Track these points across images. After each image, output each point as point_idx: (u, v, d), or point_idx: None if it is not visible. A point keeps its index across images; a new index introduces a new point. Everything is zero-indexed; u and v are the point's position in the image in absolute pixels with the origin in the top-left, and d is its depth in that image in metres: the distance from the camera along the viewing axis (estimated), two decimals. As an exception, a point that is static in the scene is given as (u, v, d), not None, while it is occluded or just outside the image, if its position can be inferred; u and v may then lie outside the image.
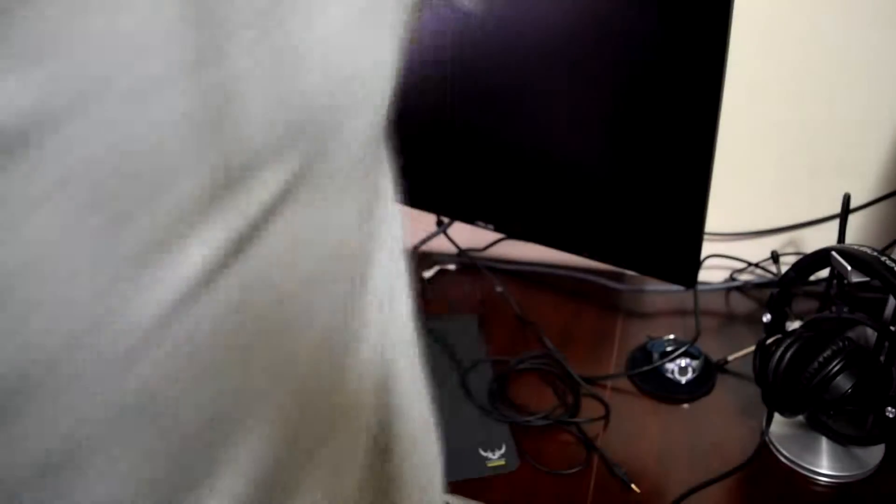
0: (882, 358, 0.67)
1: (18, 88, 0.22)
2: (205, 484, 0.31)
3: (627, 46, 0.76)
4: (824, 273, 0.73)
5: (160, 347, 0.27)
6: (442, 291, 1.06)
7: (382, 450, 0.41)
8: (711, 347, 0.90)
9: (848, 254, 0.68)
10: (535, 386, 0.88)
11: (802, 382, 0.70)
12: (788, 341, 0.72)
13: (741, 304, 0.99)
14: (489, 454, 0.79)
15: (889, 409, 0.66)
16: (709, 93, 0.73)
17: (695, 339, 0.91)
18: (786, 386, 0.71)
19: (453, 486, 0.73)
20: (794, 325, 0.76)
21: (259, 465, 0.33)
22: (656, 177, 0.81)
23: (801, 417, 0.76)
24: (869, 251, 0.67)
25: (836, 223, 0.80)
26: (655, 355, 0.88)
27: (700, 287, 0.96)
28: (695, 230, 0.81)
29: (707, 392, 0.85)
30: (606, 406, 0.83)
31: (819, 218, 0.97)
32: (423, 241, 1.09)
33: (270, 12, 0.27)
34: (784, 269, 0.98)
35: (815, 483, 0.73)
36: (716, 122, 0.73)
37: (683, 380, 0.85)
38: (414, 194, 0.99)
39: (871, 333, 0.71)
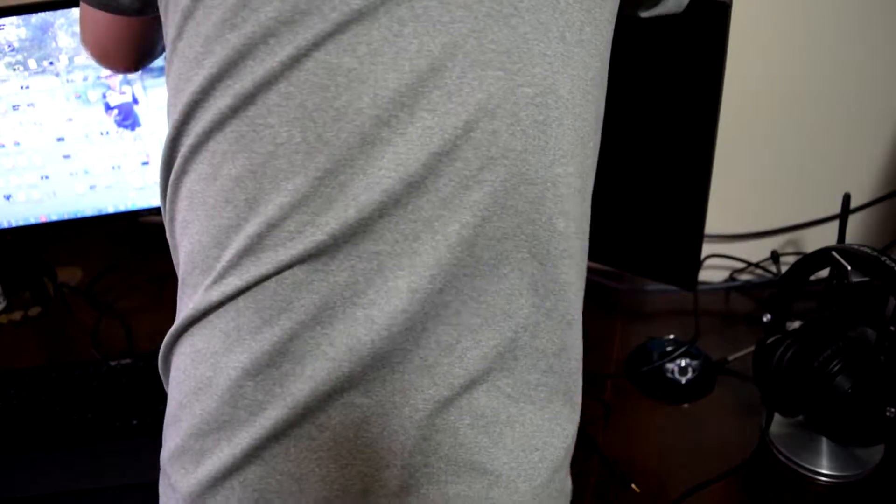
0: (882, 358, 0.67)
1: None
2: None
3: (627, 50, 0.76)
4: (824, 273, 0.73)
5: None
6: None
7: None
8: (711, 347, 0.90)
9: (848, 254, 0.68)
10: (535, 386, 0.88)
11: (802, 383, 0.70)
12: (788, 341, 0.72)
13: (741, 304, 0.99)
14: (489, 454, 0.78)
15: (889, 409, 0.66)
16: (709, 95, 0.73)
17: (695, 339, 0.91)
18: (786, 386, 0.71)
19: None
20: (794, 325, 0.76)
21: None
22: (656, 180, 0.81)
23: (801, 417, 0.76)
24: (869, 251, 0.67)
25: (836, 223, 0.80)
26: (655, 355, 0.88)
27: (700, 287, 0.96)
28: (695, 233, 0.81)
29: (707, 392, 0.85)
30: (606, 406, 0.83)
31: (819, 218, 0.97)
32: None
33: None
34: (784, 269, 0.98)
35: (814, 483, 0.73)
36: (715, 125, 0.73)
37: (683, 380, 0.85)
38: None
39: (871, 333, 0.71)
